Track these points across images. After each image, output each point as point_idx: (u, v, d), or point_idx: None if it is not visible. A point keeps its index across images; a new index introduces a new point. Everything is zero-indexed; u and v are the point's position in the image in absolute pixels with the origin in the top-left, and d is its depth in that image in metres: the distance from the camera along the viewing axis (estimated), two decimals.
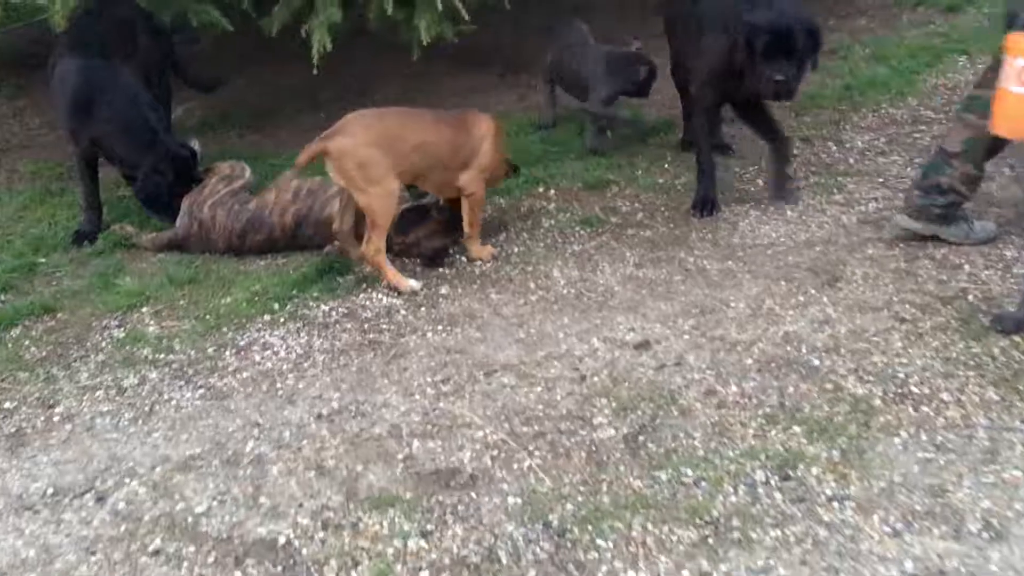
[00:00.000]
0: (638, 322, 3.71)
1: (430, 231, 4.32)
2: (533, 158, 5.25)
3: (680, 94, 5.22)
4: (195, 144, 4.92)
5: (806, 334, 3.49)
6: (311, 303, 4.04)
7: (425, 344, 3.68)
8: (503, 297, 3.99)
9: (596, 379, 3.35)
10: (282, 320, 3.92)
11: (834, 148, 5.10)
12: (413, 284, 4.06)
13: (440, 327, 3.80)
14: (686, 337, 3.57)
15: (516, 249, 4.38)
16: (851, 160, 4.94)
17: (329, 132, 4.07)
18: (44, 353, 3.81)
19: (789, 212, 4.47)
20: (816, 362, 3.32)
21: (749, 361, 3.37)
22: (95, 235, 4.67)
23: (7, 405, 3.49)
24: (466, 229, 4.23)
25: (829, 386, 3.18)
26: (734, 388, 3.23)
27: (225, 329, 3.88)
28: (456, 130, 4.19)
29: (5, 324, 4.01)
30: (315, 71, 5.16)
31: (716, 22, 4.33)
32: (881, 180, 4.66)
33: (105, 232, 4.71)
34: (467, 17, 5.20)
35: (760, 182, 4.84)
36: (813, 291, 3.77)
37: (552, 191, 4.92)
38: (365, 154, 3.95)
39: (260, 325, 3.90)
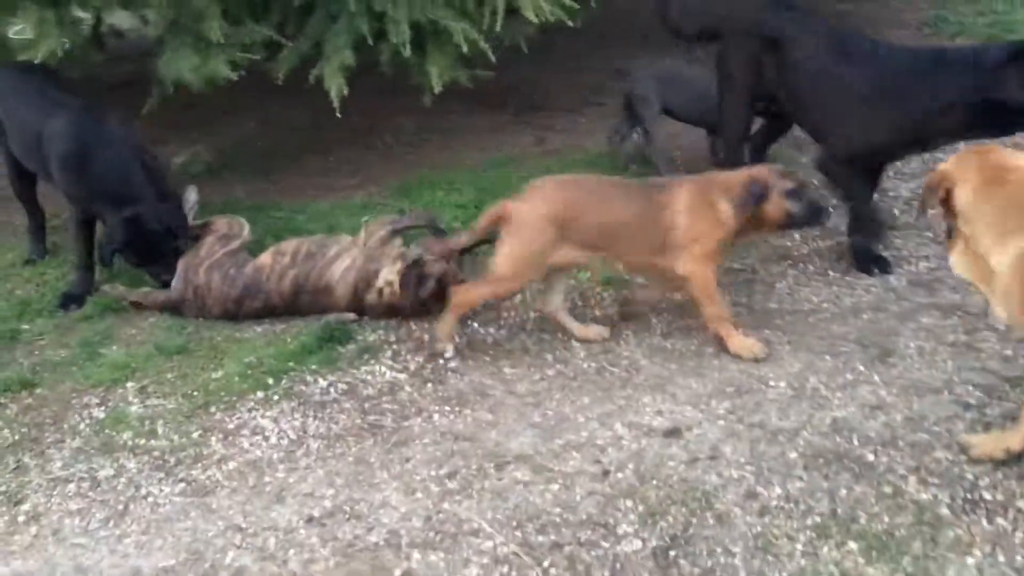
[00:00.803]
0: (666, 403, 3.34)
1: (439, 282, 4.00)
2: None
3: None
4: (192, 193, 4.62)
5: (857, 422, 3.10)
6: (308, 377, 3.70)
7: (431, 429, 3.33)
8: (518, 372, 3.63)
9: (620, 475, 2.98)
10: (276, 398, 3.59)
11: (876, 197, 4.71)
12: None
13: (448, 408, 3.45)
14: (721, 423, 3.19)
15: (532, 315, 4.02)
16: (896, 211, 4.56)
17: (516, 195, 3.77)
18: (17, 437, 3.50)
19: (831, 272, 4.09)
20: (871, 457, 2.94)
21: (793, 455, 2.99)
22: (83, 298, 4.36)
23: None
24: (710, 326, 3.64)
25: (888, 489, 2.79)
26: (778, 489, 2.84)
27: (213, 409, 3.55)
28: (648, 202, 3.64)
29: None
30: (337, 113, 4.85)
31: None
32: (930, 235, 4.27)
33: (95, 295, 4.40)
34: (492, 59, 4.91)
35: (797, 236, 4.46)
36: (862, 368, 3.39)
37: None
38: (536, 225, 3.61)
39: (251, 404, 3.56)
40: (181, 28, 4.64)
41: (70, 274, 4.48)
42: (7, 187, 5.02)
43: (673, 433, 3.16)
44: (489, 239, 3.93)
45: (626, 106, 5.35)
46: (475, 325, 3.97)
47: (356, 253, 4.11)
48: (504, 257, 3.65)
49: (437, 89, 4.95)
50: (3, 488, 3.22)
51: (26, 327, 4.23)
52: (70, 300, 4.36)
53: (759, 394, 3.32)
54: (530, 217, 3.63)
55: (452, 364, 3.72)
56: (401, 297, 3.98)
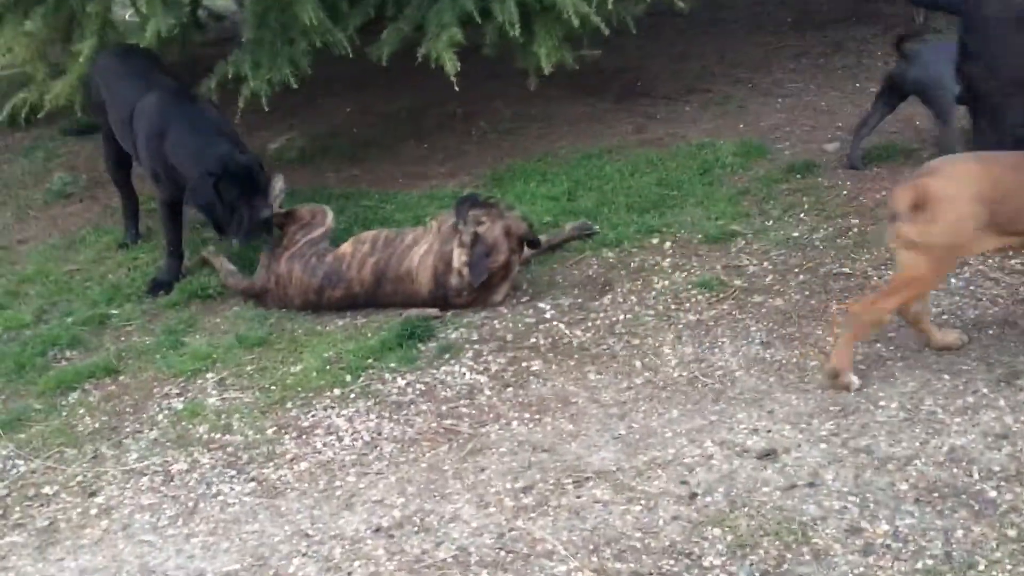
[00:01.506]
0: (763, 421, 3.08)
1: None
2: (648, 203, 4.67)
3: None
4: (279, 182, 4.56)
5: (978, 452, 2.79)
6: (387, 375, 3.58)
7: (508, 437, 3.17)
8: (603, 379, 3.43)
9: (709, 499, 2.75)
10: (352, 396, 3.48)
11: None
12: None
13: (527, 415, 3.28)
14: (823, 446, 2.92)
15: (622, 316, 3.81)
16: None
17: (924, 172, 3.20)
18: (97, 425, 3.49)
19: (952, 279, 3.73)
20: (993, 494, 2.63)
21: (904, 487, 2.70)
22: (172, 285, 4.36)
23: (47, 490, 3.17)
24: None
25: (1012, 532, 2.49)
26: (884, 526, 2.57)
27: (289, 405, 3.47)
28: None
29: (64, 387, 3.71)
30: (455, 87, 4.77)
31: None
32: None
33: (184, 281, 4.39)
34: (605, 33, 4.69)
35: None
36: (986, 390, 3.06)
37: (668, 243, 4.32)
38: (964, 208, 3.03)
39: (328, 402, 3.47)
40: (270, 20, 4.58)
41: (160, 260, 4.48)
42: (105, 172, 5.09)
43: (769, 455, 2.91)
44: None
45: (885, 93, 4.77)
46: (562, 326, 3.78)
47: (432, 238, 3.98)
48: (921, 250, 3.06)
49: (547, 70, 4.76)
50: (80, 478, 3.20)
51: (115, 312, 4.25)
52: (159, 286, 4.36)
53: (867, 415, 3.04)
54: (957, 198, 3.04)
55: (535, 366, 3.54)
56: (474, 280, 3.83)
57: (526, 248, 4.03)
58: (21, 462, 3.32)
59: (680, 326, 3.69)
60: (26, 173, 6.09)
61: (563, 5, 4.56)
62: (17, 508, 3.09)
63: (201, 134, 4.19)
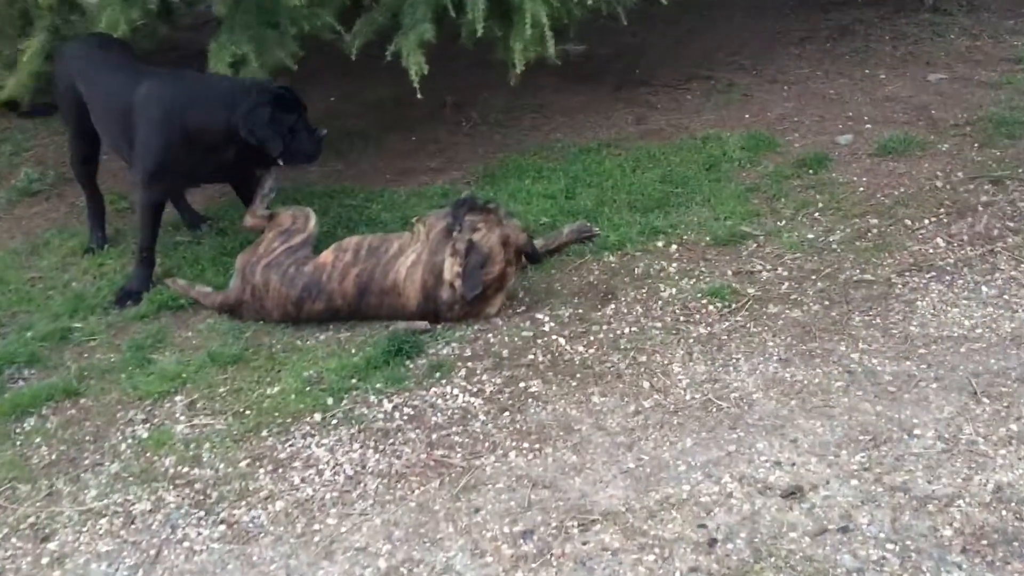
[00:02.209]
0: (785, 452, 2.80)
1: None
2: (651, 201, 4.37)
3: None
4: (270, 180, 4.22)
5: None
6: (372, 398, 3.28)
7: (506, 471, 2.87)
8: (608, 401, 3.14)
9: (730, 546, 2.47)
10: (334, 422, 3.18)
11: None
12: None
13: (526, 444, 2.98)
14: (853, 482, 2.64)
15: (627, 329, 3.51)
16: None
17: None
18: (54, 456, 3.18)
19: (985, 288, 3.45)
20: None
21: (947, 532, 2.43)
22: (141, 295, 4.03)
23: None
24: None
25: None
26: None
27: (265, 432, 3.17)
28: None
29: (20, 412, 3.40)
30: (418, 94, 4.40)
31: None
32: None
33: (153, 290, 4.07)
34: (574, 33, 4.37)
35: (940, 241, 3.83)
36: None
37: (674, 246, 4.03)
38: None
39: (307, 428, 3.17)
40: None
41: (129, 266, 4.15)
42: (71, 168, 4.75)
43: (794, 493, 2.63)
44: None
45: None
46: (562, 341, 3.48)
47: (420, 247, 3.67)
48: None
49: (519, 68, 4.45)
50: (32, 519, 2.90)
51: (78, 325, 3.92)
52: (127, 296, 4.04)
53: (901, 445, 2.76)
54: None
55: (534, 387, 3.25)
56: (467, 292, 3.53)
57: (523, 260, 3.72)
58: None
59: (690, 340, 3.40)
60: None
61: (527, 8, 4.25)
62: None
63: (228, 83, 3.96)
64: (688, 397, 3.12)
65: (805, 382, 3.11)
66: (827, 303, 3.52)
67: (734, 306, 3.56)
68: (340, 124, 5.81)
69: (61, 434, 3.29)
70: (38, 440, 3.27)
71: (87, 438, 3.26)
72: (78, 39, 4.43)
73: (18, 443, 3.26)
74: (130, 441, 3.21)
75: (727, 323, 3.48)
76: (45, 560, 2.73)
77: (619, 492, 2.72)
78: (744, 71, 5.95)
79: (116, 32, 4.31)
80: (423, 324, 3.62)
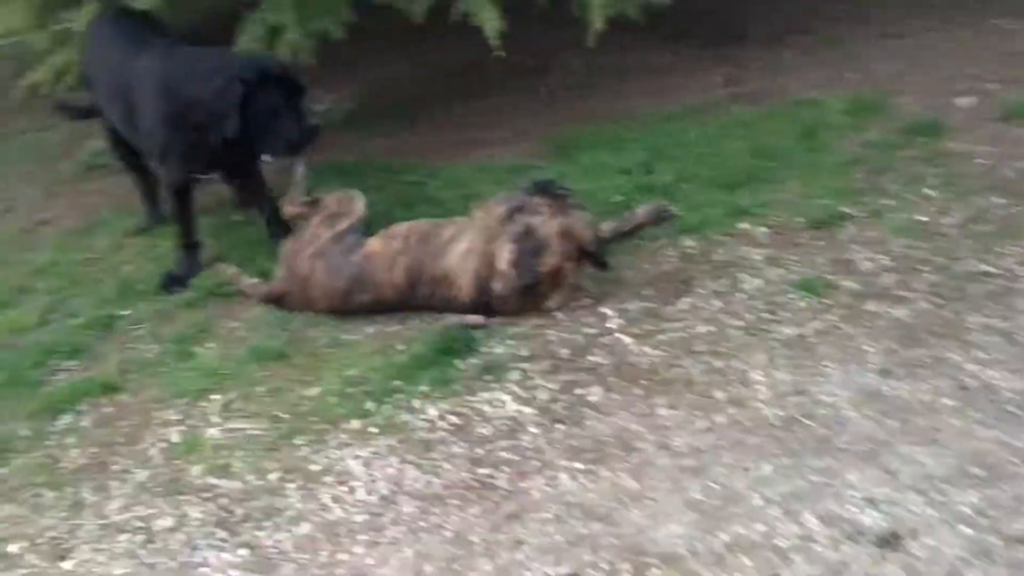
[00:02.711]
0: (882, 486, 2.39)
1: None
2: (738, 177, 3.93)
3: None
4: (301, 166, 3.97)
5: None
6: (415, 403, 2.99)
7: (555, 496, 2.55)
8: (676, 415, 2.77)
9: None
10: (373, 431, 2.91)
11: None
12: None
13: (579, 464, 2.65)
14: (964, 529, 2.23)
15: (703, 328, 3.12)
16: None
17: None
18: (84, 461, 3.01)
19: None
20: None
21: None
22: (187, 280, 3.84)
23: (13, 548, 2.69)
24: None
25: None
26: None
27: (299, 440, 2.92)
28: None
29: (57, 408, 3.25)
30: (496, 53, 4.06)
31: None
32: None
33: (203, 274, 3.86)
34: None
35: None
36: None
37: (761, 229, 3.59)
38: None
39: (344, 437, 2.91)
40: None
41: (175, 251, 3.96)
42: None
43: (890, 541, 2.23)
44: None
45: None
46: (628, 340, 3.11)
47: (475, 234, 3.34)
48: None
49: (598, 25, 4.03)
50: (53, 533, 2.72)
51: (125, 312, 3.75)
52: (174, 281, 3.85)
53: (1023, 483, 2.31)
54: None
55: (593, 395, 2.90)
56: (518, 281, 3.20)
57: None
58: None
59: (775, 343, 2.99)
60: (62, 141, 5.66)
61: None
62: None
63: (219, 56, 3.62)
64: (768, 413, 2.72)
65: (908, 399, 2.67)
66: (938, 301, 3.05)
67: (827, 302, 3.13)
68: (407, 91, 5.53)
69: (94, 435, 3.12)
70: (70, 441, 3.11)
71: (120, 439, 3.08)
72: (98, 18, 4.21)
73: (50, 443, 3.11)
74: (161, 445, 3.02)
75: (818, 323, 3.05)
76: None
77: (682, 529, 2.37)
78: (849, 24, 5.37)
79: (150, 4, 4.08)
80: (478, 318, 3.31)
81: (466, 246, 3.33)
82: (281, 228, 3.79)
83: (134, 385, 3.33)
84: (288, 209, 3.74)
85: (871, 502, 2.35)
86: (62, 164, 5.32)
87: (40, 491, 2.90)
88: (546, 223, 3.25)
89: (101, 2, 4.25)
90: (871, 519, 2.30)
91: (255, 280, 3.70)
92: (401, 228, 3.47)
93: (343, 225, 3.55)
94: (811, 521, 2.32)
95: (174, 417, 3.14)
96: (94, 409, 3.24)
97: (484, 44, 4.16)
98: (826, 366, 2.85)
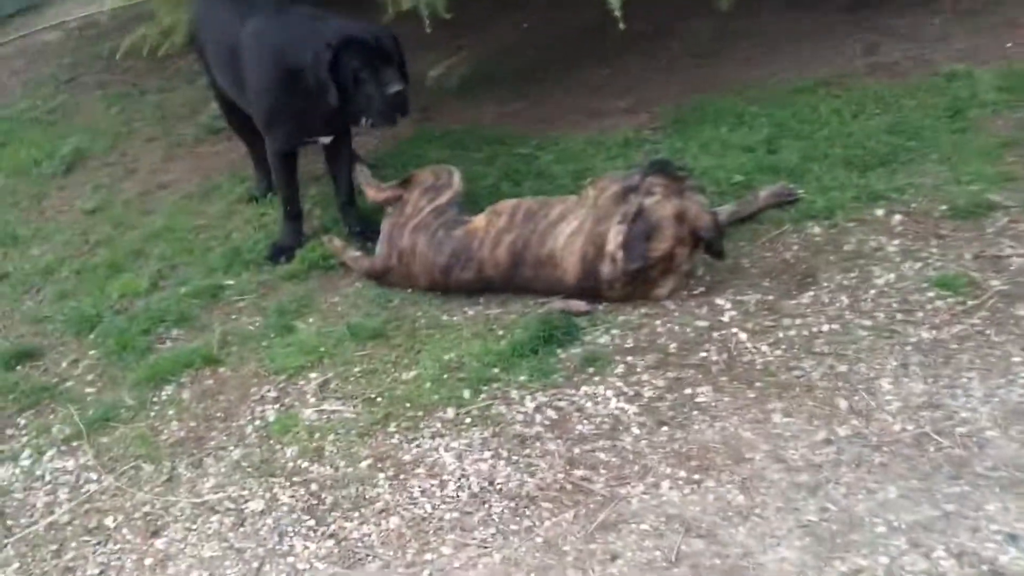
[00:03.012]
0: None
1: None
2: (874, 158, 3.61)
3: None
4: (363, 169, 3.83)
5: None
6: (513, 393, 2.86)
7: (655, 506, 2.38)
8: (793, 423, 2.55)
9: None
10: (467, 422, 2.80)
11: None
12: None
13: (683, 472, 2.47)
14: None
15: (826, 326, 2.87)
16: None
17: None
18: (183, 434, 3.01)
19: None
20: None
21: None
22: (293, 250, 3.81)
23: (109, 522, 2.71)
24: None
25: None
26: None
27: (393, 427, 2.84)
28: None
29: (159, 379, 3.27)
30: (620, 25, 3.84)
31: None
32: None
33: (307, 247, 3.82)
34: None
35: None
36: None
37: (897, 217, 3.29)
38: None
39: (438, 426, 2.80)
40: None
41: (280, 221, 3.93)
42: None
43: None
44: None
45: None
46: (743, 336, 2.89)
47: (585, 214, 3.16)
48: None
49: None
50: (147, 508, 2.73)
51: (231, 282, 3.75)
52: (279, 252, 3.83)
53: None
54: None
55: (701, 395, 2.70)
56: (627, 264, 3.01)
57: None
58: (95, 476, 2.90)
59: (907, 348, 2.72)
60: (185, 103, 5.73)
61: None
62: (73, 544, 2.66)
63: (314, 22, 3.51)
64: (897, 427, 2.47)
65: None
66: None
67: (971, 303, 2.82)
68: (528, 56, 5.34)
69: (194, 408, 3.12)
70: (171, 413, 3.12)
71: (218, 414, 3.07)
72: None
73: (152, 414, 3.13)
74: (257, 423, 2.99)
75: (959, 326, 2.75)
76: (149, 561, 2.55)
77: (793, 554, 2.17)
78: None
79: None
80: (582, 304, 3.15)
81: (574, 226, 3.16)
82: (353, 206, 3.77)
83: (235, 359, 3.32)
84: (373, 194, 3.63)
85: (1013, 539, 2.09)
86: (184, 126, 5.38)
87: (139, 464, 2.91)
88: (660, 204, 3.05)
89: None
90: (1009, 558, 2.05)
91: (358, 253, 3.63)
92: (508, 204, 3.32)
93: (443, 198, 3.43)
94: (942, 556, 2.09)
95: (271, 394, 3.10)
96: (196, 381, 3.25)
97: (604, 8, 3.94)
98: (966, 377, 2.57)
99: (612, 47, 5.02)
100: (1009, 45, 4.28)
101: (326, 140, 3.75)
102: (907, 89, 4.01)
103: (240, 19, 3.64)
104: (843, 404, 2.57)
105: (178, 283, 3.81)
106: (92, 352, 3.48)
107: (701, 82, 4.63)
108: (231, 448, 2.91)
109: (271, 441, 2.90)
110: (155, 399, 3.20)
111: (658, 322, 3.04)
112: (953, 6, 4.77)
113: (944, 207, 3.27)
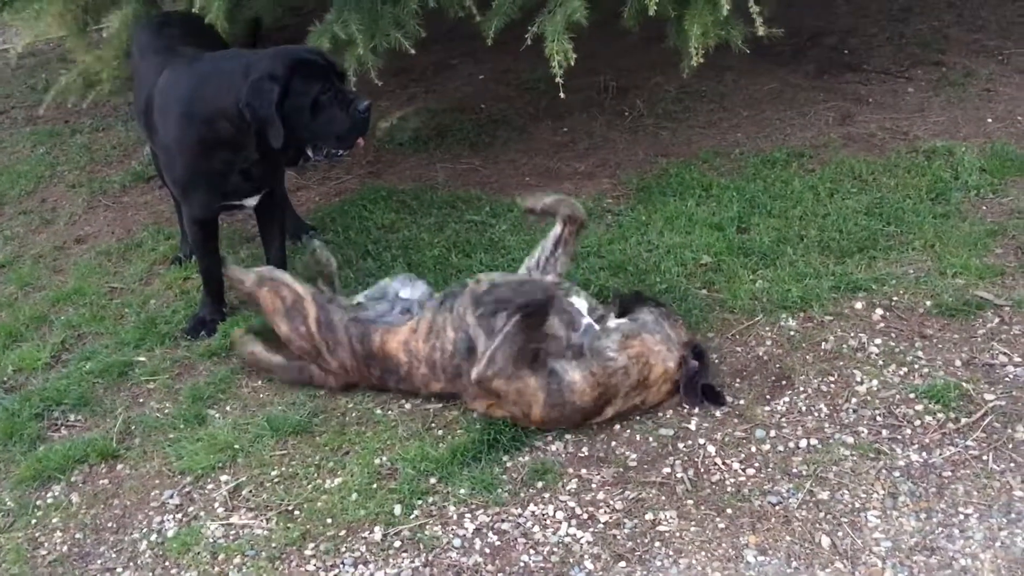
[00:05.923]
0: None
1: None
2: (852, 242, 3.35)
3: None
4: (316, 242, 3.48)
5: None
6: (451, 510, 2.50)
7: None
8: (769, 562, 2.22)
9: None
10: (397, 545, 2.43)
11: None
12: None
13: None
14: None
15: (804, 441, 2.56)
16: None
17: None
18: (66, 548, 2.60)
19: None
20: None
21: None
22: (215, 324, 3.43)
23: None
24: None
25: None
26: None
27: (310, 550, 2.46)
28: None
29: (49, 476, 2.85)
30: (558, 82, 3.54)
31: None
32: None
33: (232, 319, 3.45)
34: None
35: None
36: None
37: (879, 311, 3.01)
38: None
39: (362, 550, 2.43)
40: None
41: (202, 291, 3.54)
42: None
43: None
44: None
45: None
46: (711, 449, 2.56)
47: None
48: None
49: (696, 59, 3.48)
50: None
51: (142, 359, 3.35)
52: (200, 325, 3.44)
53: None
54: None
55: (664, 526, 2.36)
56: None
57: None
58: None
59: (895, 473, 2.41)
60: (117, 145, 5.34)
61: None
62: None
63: (238, 56, 3.12)
64: (886, 570, 2.15)
65: None
66: None
67: (964, 421, 2.53)
68: (484, 109, 5.04)
69: (83, 515, 2.70)
70: (56, 520, 2.70)
71: (110, 524, 2.66)
72: (143, 22, 3.81)
73: (34, 522, 2.71)
74: (153, 538, 2.59)
75: (952, 448, 2.45)
76: None
77: None
78: (986, 55, 4.72)
79: (210, 12, 3.65)
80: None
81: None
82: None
83: (136, 453, 2.91)
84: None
85: None
86: (111, 171, 4.99)
87: None
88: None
89: (139, 5, 3.85)
90: None
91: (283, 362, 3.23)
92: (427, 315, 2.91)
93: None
94: None
95: (173, 501, 2.70)
96: (89, 481, 2.83)
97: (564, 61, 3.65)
98: (963, 513, 2.27)
99: (572, 103, 4.74)
100: (989, 120, 4.08)
101: (252, 202, 3.38)
102: (885, 166, 3.78)
103: (155, 69, 3.27)
104: (825, 541, 2.25)
105: (83, 357, 3.39)
106: None
107: (665, 146, 4.38)
108: (119, 571, 2.50)
109: (167, 563, 2.49)
110: (39, 502, 2.78)
111: (617, 427, 2.71)
112: (928, 76, 4.58)
113: (929, 303, 3.00)
